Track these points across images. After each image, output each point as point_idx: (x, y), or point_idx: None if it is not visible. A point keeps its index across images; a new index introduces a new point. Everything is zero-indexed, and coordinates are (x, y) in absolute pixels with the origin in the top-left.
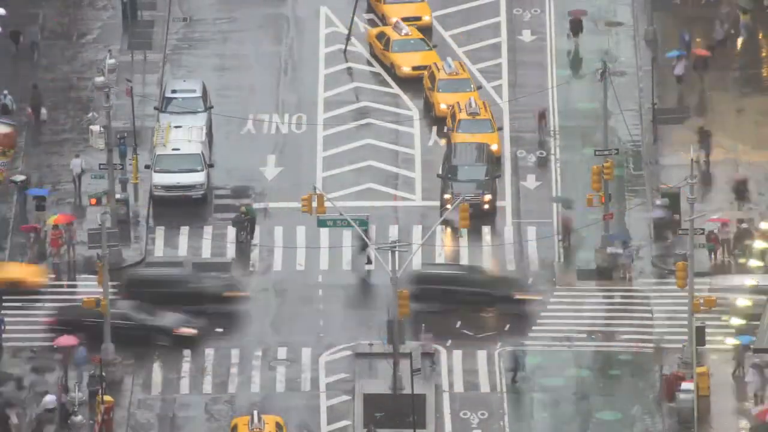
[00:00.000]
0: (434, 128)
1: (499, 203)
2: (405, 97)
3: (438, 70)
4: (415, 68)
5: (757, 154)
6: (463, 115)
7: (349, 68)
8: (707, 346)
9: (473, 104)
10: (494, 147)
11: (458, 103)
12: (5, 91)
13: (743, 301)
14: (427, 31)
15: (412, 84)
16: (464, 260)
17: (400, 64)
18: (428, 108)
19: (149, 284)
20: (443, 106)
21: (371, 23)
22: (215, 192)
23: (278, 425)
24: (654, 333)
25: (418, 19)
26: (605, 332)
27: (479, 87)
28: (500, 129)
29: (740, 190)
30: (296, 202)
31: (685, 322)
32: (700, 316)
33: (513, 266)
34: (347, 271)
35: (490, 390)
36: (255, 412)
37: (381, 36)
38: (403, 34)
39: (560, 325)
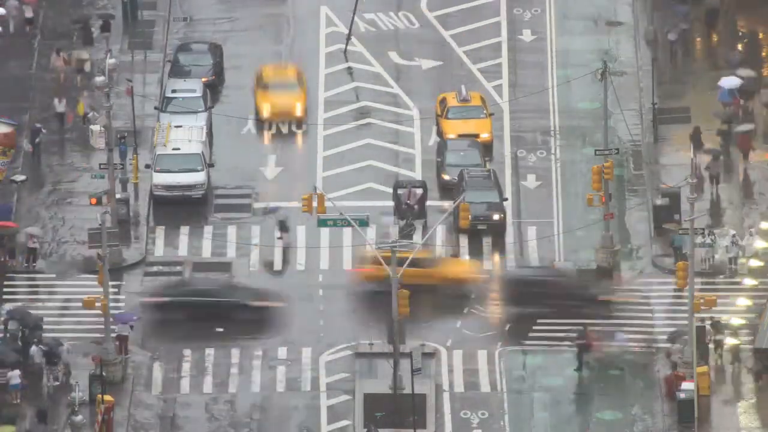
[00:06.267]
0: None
1: None
2: (405, 97)
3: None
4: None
5: (757, 154)
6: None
7: (349, 68)
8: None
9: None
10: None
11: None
12: None
13: (744, 301)
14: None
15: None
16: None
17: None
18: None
19: None
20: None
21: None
22: (215, 192)
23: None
24: (654, 333)
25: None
26: (605, 332)
27: (491, 114)
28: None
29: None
30: (296, 202)
31: (686, 322)
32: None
33: (513, 266)
34: (347, 271)
35: (490, 390)
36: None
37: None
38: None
39: (560, 325)
